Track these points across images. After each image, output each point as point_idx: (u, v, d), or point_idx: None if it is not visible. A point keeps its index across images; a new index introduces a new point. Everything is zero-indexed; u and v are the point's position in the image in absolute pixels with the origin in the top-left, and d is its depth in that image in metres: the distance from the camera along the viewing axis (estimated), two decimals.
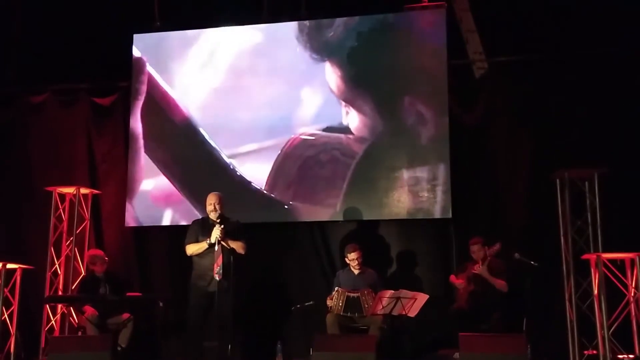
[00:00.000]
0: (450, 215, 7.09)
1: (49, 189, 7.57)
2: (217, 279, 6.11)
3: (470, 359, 5.51)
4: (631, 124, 6.90)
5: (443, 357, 6.35)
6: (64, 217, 7.62)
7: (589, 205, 6.68)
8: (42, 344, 7.23)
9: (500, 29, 7.33)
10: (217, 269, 6.12)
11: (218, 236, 6.14)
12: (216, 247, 6.15)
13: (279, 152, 7.49)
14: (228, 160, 7.57)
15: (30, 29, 8.36)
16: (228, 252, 6.22)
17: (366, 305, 6.38)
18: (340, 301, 6.44)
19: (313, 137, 7.46)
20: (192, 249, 6.34)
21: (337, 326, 6.44)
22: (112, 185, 7.93)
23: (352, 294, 6.45)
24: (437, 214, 7.12)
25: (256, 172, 7.52)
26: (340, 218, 7.34)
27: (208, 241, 6.20)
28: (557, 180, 6.77)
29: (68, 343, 6.25)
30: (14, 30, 8.43)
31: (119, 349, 6.43)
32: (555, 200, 6.77)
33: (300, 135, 7.49)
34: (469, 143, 7.28)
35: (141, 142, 7.80)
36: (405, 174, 7.22)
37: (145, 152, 7.77)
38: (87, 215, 7.70)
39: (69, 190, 7.60)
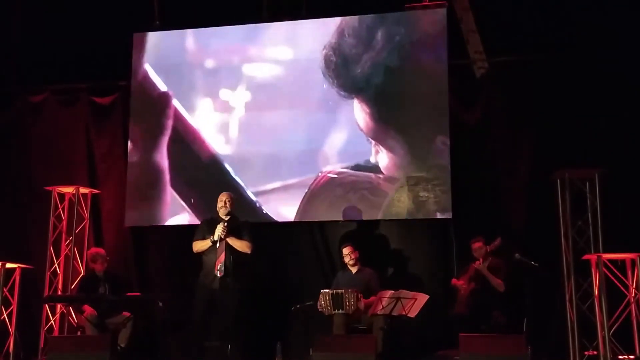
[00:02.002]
0: (450, 215, 7.08)
1: (49, 188, 7.57)
2: (218, 275, 6.17)
3: (470, 359, 5.50)
4: (632, 124, 6.89)
5: (443, 358, 6.34)
6: (64, 216, 7.61)
7: (590, 206, 6.68)
8: (42, 344, 7.24)
9: (500, 28, 7.32)
10: (219, 265, 6.20)
11: (220, 233, 6.20)
12: (217, 245, 6.22)
13: (306, 190, 7.34)
14: (254, 199, 7.45)
15: (29, 29, 8.34)
16: (231, 250, 6.24)
17: (347, 303, 6.39)
18: (328, 302, 6.46)
19: (342, 176, 7.32)
20: (197, 246, 6.41)
21: (344, 327, 6.45)
22: (112, 185, 7.92)
23: (335, 291, 6.47)
24: (437, 214, 7.11)
25: (282, 209, 7.41)
26: None
27: (211, 238, 6.25)
28: (558, 180, 6.76)
29: (67, 343, 6.24)
30: (13, 30, 8.42)
31: (118, 348, 6.43)
32: (555, 201, 6.77)
33: (329, 173, 7.34)
34: (469, 142, 7.27)
35: (167, 177, 7.70)
36: (405, 174, 7.20)
37: (171, 186, 7.65)
38: (86, 214, 7.69)
39: (69, 189, 7.59)
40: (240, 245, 6.30)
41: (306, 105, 7.55)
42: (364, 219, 7.30)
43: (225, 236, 6.26)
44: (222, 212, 6.36)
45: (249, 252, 6.33)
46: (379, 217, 7.30)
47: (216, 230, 6.24)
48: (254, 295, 7.15)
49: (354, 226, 7.41)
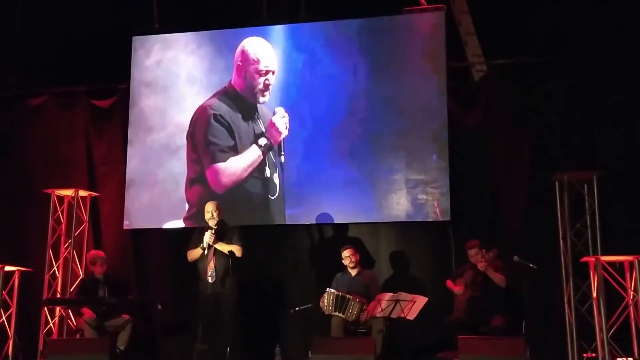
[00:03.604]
0: (449, 218, 7.08)
1: (48, 191, 7.56)
2: (210, 281, 6.27)
3: None
4: (630, 126, 6.90)
5: None
6: (63, 219, 7.61)
7: (588, 208, 6.68)
8: (41, 347, 7.22)
9: (499, 31, 7.32)
10: (210, 272, 6.31)
11: (209, 240, 6.31)
12: (206, 251, 6.33)
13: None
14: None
15: (29, 32, 8.33)
16: (221, 256, 6.30)
17: (350, 311, 6.39)
18: (331, 302, 6.45)
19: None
20: (190, 255, 6.53)
21: (342, 329, 6.44)
22: (111, 188, 7.91)
23: (342, 293, 6.46)
24: (435, 216, 7.12)
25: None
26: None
27: (201, 245, 6.35)
28: (556, 183, 6.76)
29: (66, 345, 6.27)
30: (13, 33, 8.41)
31: (117, 351, 6.42)
32: (554, 203, 6.76)
33: None
34: (468, 145, 7.27)
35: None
36: (404, 176, 7.21)
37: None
38: (85, 217, 7.69)
39: (68, 192, 7.59)
40: (229, 249, 6.36)
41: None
42: (362, 221, 7.30)
43: (214, 242, 6.34)
44: (211, 223, 6.47)
45: (239, 255, 6.38)
46: (377, 220, 7.30)
47: (204, 237, 6.35)
48: (252, 298, 7.17)
49: (353, 228, 7.40)
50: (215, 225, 6.43)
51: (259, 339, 7.10)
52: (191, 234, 6.73)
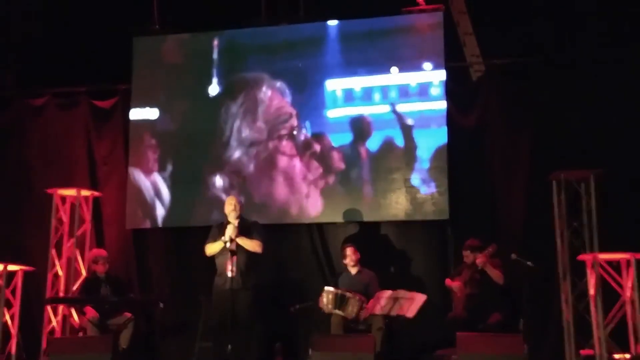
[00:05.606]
0: (447, 217, 7.13)
1: (50, 191, 7.59)
2: (230, 275, 6.17)
3: (468, 359, 5.55)
4: (627, 126, 6.93)
5: (441, 358, 6.38)
6: (65, 218, 7.64)
7: (585, 207, 6.71)
8: (44, 345, 7.25)
9: (497, 31, 7.36)
10: (230, 266, 6.19)
11: (231, 234, 6.23)
12: (228, 245, 6.23)
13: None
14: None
15: (29, 32, 8.37)
16: (243, 250, 6.29)
17: (350, 309, 6.43)
18: (331, 300, 6.48)
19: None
20: (209, 249, 6.45)
21: (342, 327, 6.48)
22: (113, 187, 7.95)
23: (341, 292, 6.50)
24: (434, 215, 7.17)
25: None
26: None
27: (222, 239, 6.27)
28: (554, 182, 6.80)
29: (69, 344, 6.29)
30: (13, 33, 8.45)
31: (119, 349, 6.46)
32: (551, 202, 6.81)
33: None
34: (466, 145, 7.32)
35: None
36: (403, 176, 7.26)
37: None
38: (88, 217, 7.73)
39: (70, 192, 7.62)
40: (251, 244, 6.33)
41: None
42: (361, 220, 7.35)
43: (236, 236, 6.28)
44: (232, 216, 6.37)
45: (260, 251, 6.37)
46: (377, 219, 7.35)
47: (226, 230, 6.27)
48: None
49: (353, 227, 7.45)
50: (236, 219, 6.38)
51: (258, 338, 7.14)
52: (195, 230, 6.69)
